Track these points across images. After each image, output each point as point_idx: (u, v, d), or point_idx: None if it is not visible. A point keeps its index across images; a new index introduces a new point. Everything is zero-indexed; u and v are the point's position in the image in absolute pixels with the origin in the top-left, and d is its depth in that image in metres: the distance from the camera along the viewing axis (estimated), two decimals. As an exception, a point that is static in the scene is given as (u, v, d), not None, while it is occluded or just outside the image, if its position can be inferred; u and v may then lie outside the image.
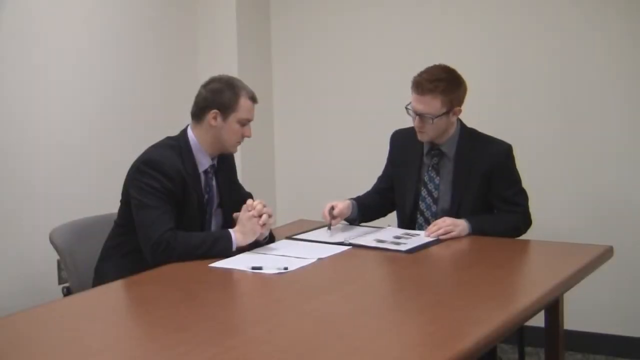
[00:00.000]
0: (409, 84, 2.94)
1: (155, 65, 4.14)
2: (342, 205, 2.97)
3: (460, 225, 2.89)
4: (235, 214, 2.72)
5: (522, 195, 3.03)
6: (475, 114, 3.17)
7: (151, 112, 4.04)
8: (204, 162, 2.78)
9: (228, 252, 2.59)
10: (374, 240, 2.82)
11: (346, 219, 3.06)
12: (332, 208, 2.93)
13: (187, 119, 2.84)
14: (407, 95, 2.99)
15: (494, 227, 2.92)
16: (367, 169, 3.44)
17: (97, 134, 3.79)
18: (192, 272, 2.44)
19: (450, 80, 2.90)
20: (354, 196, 3.22)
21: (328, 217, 2.93)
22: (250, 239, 2.63)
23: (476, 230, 2.90)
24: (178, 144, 2.75)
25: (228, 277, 2.40)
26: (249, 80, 2.96)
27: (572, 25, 3.83)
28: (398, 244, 2.76)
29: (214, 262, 2.50)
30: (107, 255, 2.76)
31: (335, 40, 4.43)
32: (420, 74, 2.91)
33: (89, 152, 3.75)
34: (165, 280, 2.38)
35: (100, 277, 2.67)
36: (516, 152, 3.07)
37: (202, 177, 2.79)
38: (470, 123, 3.13)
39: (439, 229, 2.87)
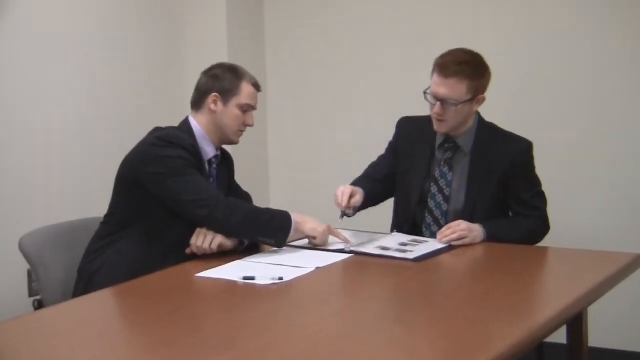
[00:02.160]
0: (412, 73, 3.00)
1: (137, 54, 4.16)
2: (360, 197, 3.00)
3: (476, 231, 2.90)
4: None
5: (541, 198, 3.06)
6: (492, 108, 3.18)
7: (135, 110, 4.05)
8: (208, 151, 2.88)
9: (286, 232, 2.69)
10: (378, 247, 2.82)
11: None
12: (351, 196, 2.95)
13: (171, 113, 2.93)
14: (410, 85, 3.04)
15: (511, 233, 2.94)
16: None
17: (74, 133, 3.79)
18: (178, 282, 2.45)
19: (477, 65, 2.93)
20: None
21: (345, 203, 2.93)
22: (314, 232, 2.75)
23: (491, 237, 2.91)
24: (181, 133, 2.82)
25: (217, 288, 2.40)
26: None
27: (604, 17, 3.86)
28: (404, 251, 2.76)
29: (202, 271, 2.50)
30: (96, 255, 2.77)
31: (335, 29, 4.46)
32: (444, 56, 2.92)
33: (66, 153, 3.75)
34: (148, 292, 2.38)
35: (90, 280, 2.70)
36: (535, 151, 3.09)
37: (207, 166, 2.88)
38: (486, 118, 3.15)
39: (453, 232, 2.87)
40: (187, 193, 2.66)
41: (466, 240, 2.88)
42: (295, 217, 2.74)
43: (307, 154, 4.64)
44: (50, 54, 3.66)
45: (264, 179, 4.71)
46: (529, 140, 3.05)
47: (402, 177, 3.15)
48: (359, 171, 3.31)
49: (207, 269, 2.55)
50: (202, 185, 2.68)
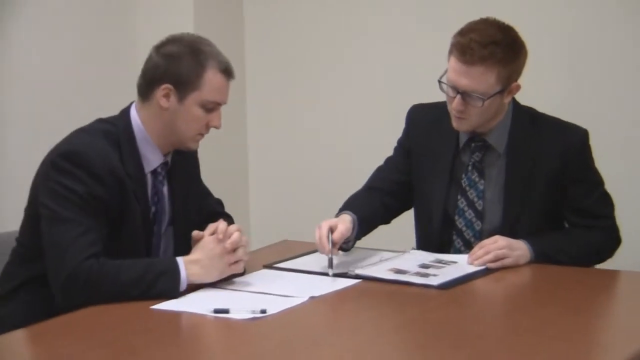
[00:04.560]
0: (413, 58, 3.11)
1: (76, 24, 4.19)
2: (343, 226, 2.86)
3: (519, 249, 2.84)
4: (195, 233, 2.68)
5: (606, 201, 3.01)
6: (532, 92, 3.15)
7: (69, 94, 4.05)
8: (152, 159, 2.75)
9: (173, 294, 2.56)
10: (391, 270, 2.78)
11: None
12: (331, 231, 2.82)
13: (111, 99, 2.85)
14: (412, 74, 3.09)
15: (567, 250, 2.91)
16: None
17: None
18: (126, 317, 2.42)
19: (509, 45, 2.86)
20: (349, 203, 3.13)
21: (327, 246, 2.78)
22: (209, 280, 2.61)
23: (541, 256, 2.86)
24: (115, 130, 2.72)
25: (179, 324, 2.41)
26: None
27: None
28: (426, 275, 2.72)
29: (159, 301, 2.49)
30: (6, 288, 2.75)
31: (325, 10, 4.54)
32: (465, 33, 2.86)
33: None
34: (87, 330, 2.36)
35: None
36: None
37: (150, 180, 2.76)
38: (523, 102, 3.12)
39: (486, 253, 2.80)
40: (53, 249, 2.57)
41: (507, 262, 2.81)
42: (187, 271, 2.57)
43: (298, 157, 4.67)
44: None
45: (241, 188, 4.73)
46: (583, 129, 2.99)
47: (419, 186, 3.10)
48: (348, 173, 3.31)
49: (167, 298, 2.53)
50: (74, 248, 2.53)
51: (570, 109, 3.31)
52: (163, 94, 2.69)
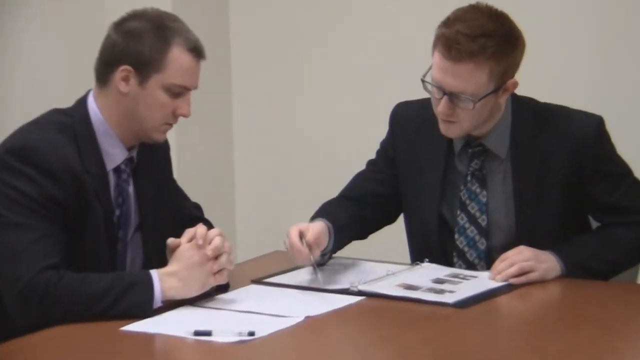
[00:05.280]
0: (405, 53, 3.22)
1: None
2: (315, 229, 2.80)
3: (547, 262, 2.75)
4: (170, 241, 2.61)
5: (637, 192, 2.92)
6: (538, 83, 3.17)
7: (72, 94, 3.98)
8: (115, 154, 2.69)
9: (145, 310, 2.48)
10: (400, 285, 2.72)
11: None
12: (301, 236, 2.77)
13: (70, 85, 2.82)
14: (404, 70, 3.25)
15: (603, 255, 2.83)
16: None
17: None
18: (91, 340, 2.37)
19: (503, 37, 2.75)
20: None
21: (304, 251, 2.73)
22: (190, 293, 2.56)
23: (573, 267, 2.78)
24: (71, 122, 2.67)
25: (153, 348, 2.38)
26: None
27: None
28: (441, 292, 2.65)
29: (130, 321, 2.42)
30: None
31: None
32: (450, 24, 2.76)
33: None
34: (45, 355, 2.33)
35: None
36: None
37: (113, 179, 2.70)
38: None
39: (510, 265, 2.72)
40: (4, 259, 2.51)
41: (533, 276, 2.72)
42: (162, 284, 2.51)
43: (291, 156, 4.66)
44: None
45: (225, 190, 4.70)
46: (596, 115, 2.92)
47: (409, 200, 3.02)
48: (347, 175, 3.21)
49: (134, 320, 2.46)
50: (28, 258, 2.48)
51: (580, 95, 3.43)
52: (121, 77, 2.63)
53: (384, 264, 2.94)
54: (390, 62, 4.28)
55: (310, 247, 2.75)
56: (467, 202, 2.93)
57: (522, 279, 2.71)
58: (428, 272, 2.84)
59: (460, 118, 2.79)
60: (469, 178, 2.92)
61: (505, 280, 2.71)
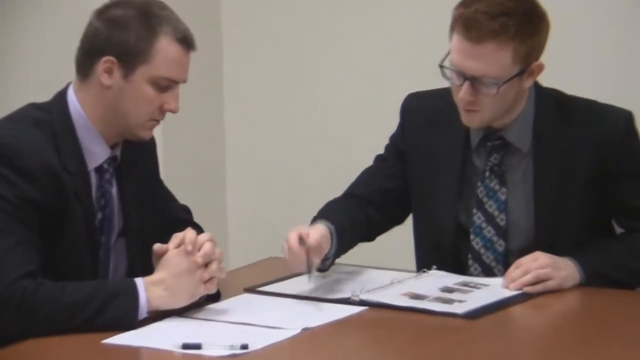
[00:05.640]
0: (409, 42, 3.31)
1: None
2: (316, 233, 2.76)
3: (565, 269, 2.69)
4: (157, 247, 2.57)
5: None
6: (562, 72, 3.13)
7: None
8: (97, 152, 2.65)
9: (129, 321, 2.44)
10: (406, 294, 2.67)
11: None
12: (302, 239, 2.75)
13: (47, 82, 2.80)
14: (408, 59, 3.39)
15: (627, 264, 2.79)
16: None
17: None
18: (71, 354, 2.36)
19: (526, 15, 2.73)
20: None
21: (303, 255, 2.69)
22: (178, 303, 2.52)
23: (593, 276, 2.73)
24: (49, 118, 2.62)
25: None
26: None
27: None
28: (450, 301, 2.60)
29: (113, 334, 2.38)
30: None
31: None
32: (470, 3, 2.73)
33: None
34: None
35: None
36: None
37: (94, 179, 2.66)
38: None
39: (525, 273, 2.66)
40: None
41: (550, 284, 2.66)
42: (148, 293, 2.47)
43: (287, 155, 4.56)
44: None
45: (216, 192, 4.62)
46: (626, 110, 2.89)
47: (420, 198, 2.98)
48: (347, 173, 3.20)
49: (117, 332, 2.42)
50: (3, 266, 2.44)
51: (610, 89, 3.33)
52: (104, 69, 2.58)
53: (388, 271, 2.91)
54: (390, 59, 4.23)
55: (310, 252, 2.72)
56: (485, 199, 2.89)
57: (538, 288, 2.65)
58: (436, 280, 2.80)
59: (484, 105, 2.76)
60: (487, 174, 2.88)
61: (519, 289, 2.66)
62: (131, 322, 2.42)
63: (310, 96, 4.55)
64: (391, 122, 3.16)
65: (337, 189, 3.14)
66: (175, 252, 2.53)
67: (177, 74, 2.61)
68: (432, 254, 2.96)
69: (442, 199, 2.94)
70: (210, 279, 2.54)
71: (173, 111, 2.64)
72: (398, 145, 3.06)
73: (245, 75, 4.62)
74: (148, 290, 2.47)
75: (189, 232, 2.55)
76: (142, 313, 2.45)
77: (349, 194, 3.06)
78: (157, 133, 2.89)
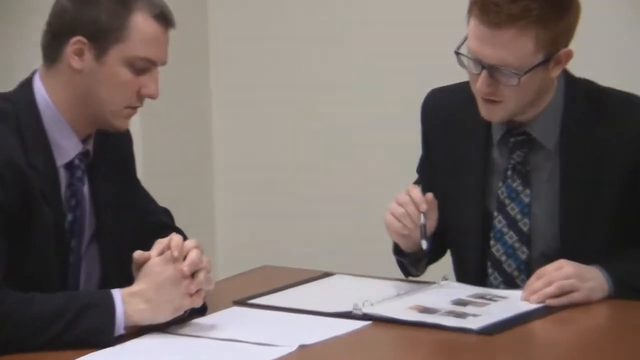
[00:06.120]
0: (413, 40, 3.35)
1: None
2: (429, 198, 2.73)
3: (593, 279, 2.60)
4: (138, 254, 2.48)
5: None
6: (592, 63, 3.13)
7: None
8: (67, 147, 2.58)
9: (104, 337, 2.36)
10: (414, 307, 2.59)
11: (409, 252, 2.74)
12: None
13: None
14: (407, 61, 3.40)
15: None
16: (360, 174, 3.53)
17: None
18: None
19: None
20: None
21: (417, 214, 2.66)
22: (160, 318, 2.44)
23: (624, 287, 2.65)
24: (12, 109, 2.56)
25: None
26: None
27: None
28: (463, 315, 2.52)
29: (87, 352, 2.31)
30: None
31: None
32: None
33: None
34: None
35: None
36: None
37: (64, 176, 2.59)
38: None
39: (548, 284, 2.58)
40: None
41: (576, 296, 2.57)
42: (127, 306, 2.41)
43: (278, 153, 4.56)
44: None
45: (203, 194, 4.62)
46: None
47: (443, 202, 2.88)
48: (330, 175, 3.30)
49: (91, 350, 2.34)
50: None
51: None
52: (74, 50, 2.50)
53: (394, 281, 2.84)
54: (386, 58, 4.22)
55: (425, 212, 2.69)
56: (507, 201, 2.82)
57: (562, 300, 2.56)
58: (447, 292, 2.72)
59: (505, 96, 2.69)
60: (509, 173, 2.81)
61: (541, 302, 2.57)
62: (106, 338, 2.34)
63: (305, 92, 4.48)
64: (388, 124, 3.14)
65: (329, 194, 3.10)
66: (157, 260, 2.45)
67: (154, 53, 2.54)
68: (458, 265, 2.92)
69: (462, 200, 2.88)
70: (197, 290, 2.46)
71: (152, 96, 2.57)
72: (424, 148, 3.03)
73: (233, 63, 4.55)
74: (126, 302, 2.39)
75: (175, 238, 2.48)
76: (119, 328, 2.36)
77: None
78: (135, 127, 2.81)
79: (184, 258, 2.46)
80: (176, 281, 2.43)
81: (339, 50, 4.47)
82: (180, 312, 2.45)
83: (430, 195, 2.76)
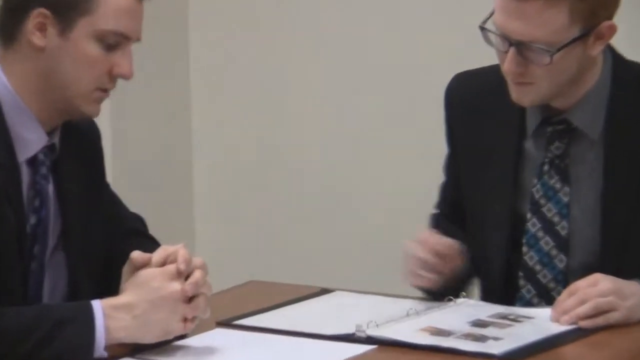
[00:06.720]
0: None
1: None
2: (446, 241, 2.62)
3: (633, 296, 2.46)
4: (137, 255, 2.41)
5: None
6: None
7: None
8: (30, 139, 2.47)
9: (81, 357, 2.25)
10: (427, 330, 2.47)
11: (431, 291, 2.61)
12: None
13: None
14: (404, 60, 3.50)
15: None
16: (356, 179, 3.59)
17: None
18: None
19: None
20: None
21: (431, 261, 2.54)
22: (146, 338, 2.32)
23: None
24: None
25: None
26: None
27: None
28: (483, 338, 2.39)
29: None
30: None
31: None
32: None
33: None
34: None
35: None
36: None
37: (26, 173, 2.48)
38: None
39: (581, 302, 2.44)
40: None
41: (613, 317, 2.42)
42: (109, 321, 2.30)
43: (269, 154, 4.52)
44: None
45: (182, 200, 4.59)
46: None
47: (469, 203, 2.80)
48: (323, 174, 3.25)
49: None
50: None
51: None
52: (35, 26, 2.38)
53: (404, 299, 2.70)
54: (374, 54, 4.22)
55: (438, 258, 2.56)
56: (543, 202, 2.68)
57: (598, 321, 2.41)
58: (465, 311, 2.58)
59: (536, 77, 2.55)
60: (545, 168, 2.67)
61: (573, 323, 2.42)
62: (84, 357, 2.23)
63: (300, 88, 4.44)
64: (387, 124, 3.05)
65: (324, 199, 3.02)
66: (157, 273, 2.33)
67: (127, 26, 2.43)
68: (484, 276, 2.79)
69: (491, 199, 2.75)
70: (193, 320, 2.37)
71: (125, 76, 2.44)
72: (450, 142, 2.92)
73: (213, 49, 4.53)
74: (108, 316, 2.27)
75: (182, 251, 2.37)
76: (99, 347, 2.24)
77: (444, 199, 2.93)
78: (102, 120, 2.71)
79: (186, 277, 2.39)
80: (174, 302, 2.33)
81: (326, 49, 4.43)
82: (169, 337, 2.33)
83: (444, 246, 2.59)
